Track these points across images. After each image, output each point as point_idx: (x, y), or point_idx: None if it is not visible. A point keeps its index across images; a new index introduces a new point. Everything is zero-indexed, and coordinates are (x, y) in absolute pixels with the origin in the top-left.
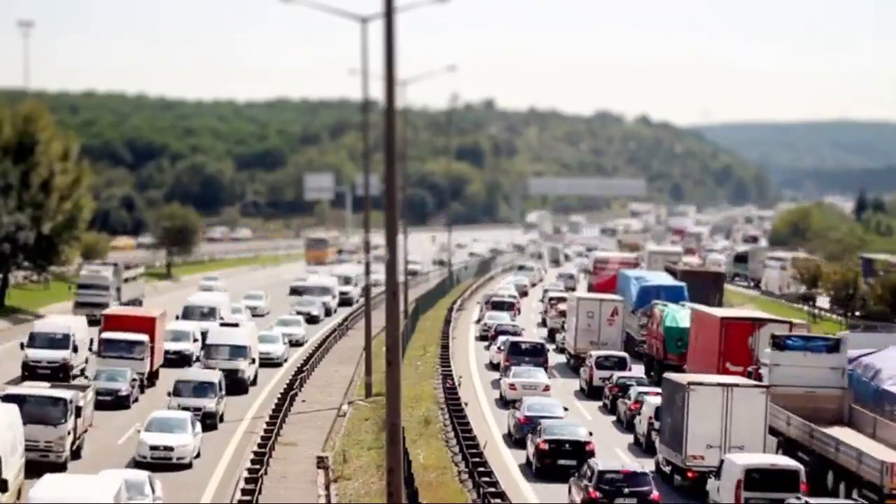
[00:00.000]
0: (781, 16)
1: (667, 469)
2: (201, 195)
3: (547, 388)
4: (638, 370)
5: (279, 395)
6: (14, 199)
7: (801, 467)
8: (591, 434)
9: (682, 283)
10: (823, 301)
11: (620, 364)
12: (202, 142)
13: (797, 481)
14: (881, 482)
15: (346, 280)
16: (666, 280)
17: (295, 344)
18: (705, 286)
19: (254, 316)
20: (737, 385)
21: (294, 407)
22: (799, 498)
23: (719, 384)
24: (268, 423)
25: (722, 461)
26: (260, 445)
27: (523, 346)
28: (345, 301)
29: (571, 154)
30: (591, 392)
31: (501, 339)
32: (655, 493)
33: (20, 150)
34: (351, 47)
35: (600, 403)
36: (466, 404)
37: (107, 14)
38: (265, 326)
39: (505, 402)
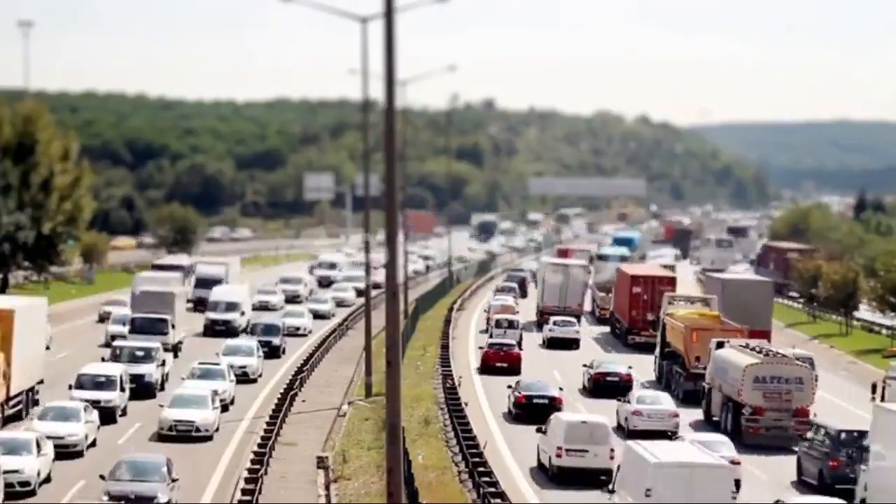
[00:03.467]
0: (781, 16)
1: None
2: (201, 195)
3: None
4: None
5: (279, 395)
6: (14, 199)
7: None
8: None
9: (635, 235)
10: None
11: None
12: (202, 142)
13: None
14: None
15: None
16: (630, 234)
17: None
18: (683, 237)
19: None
20: (572, 265)
21: (294, 407)
22: None
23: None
24: (268, 423)
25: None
26: (260, 445)
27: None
28: None
29: (571, 154)
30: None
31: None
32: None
33: (20, 150)
34: (351, 47)
35: None
36: (466, 404)
37: (106, 14)
38: None
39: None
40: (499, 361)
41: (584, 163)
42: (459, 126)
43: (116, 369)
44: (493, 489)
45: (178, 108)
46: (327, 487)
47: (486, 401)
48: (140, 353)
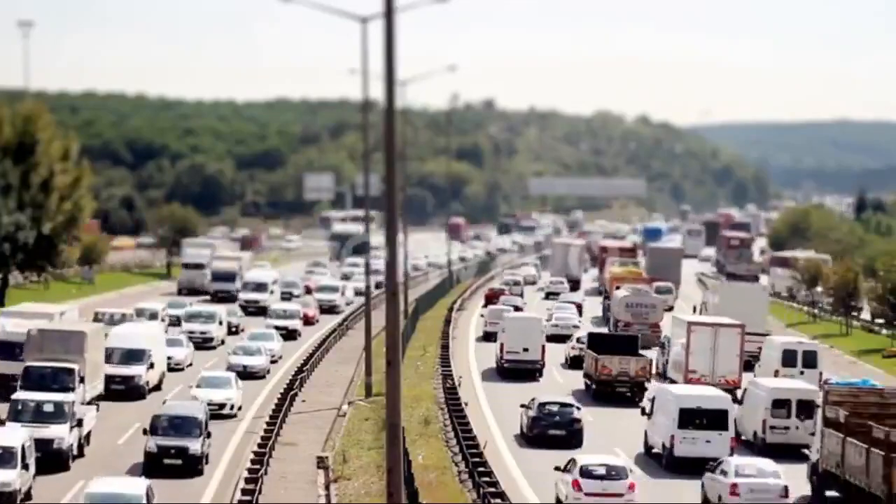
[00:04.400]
0: (781, 16)
1: None
2: (201, 195)
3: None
4: None
5: (279, 395)
6: (14, 199)
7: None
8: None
9: (663, 226)
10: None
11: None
12: (202, 142)
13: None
14: None
15: None
16: (657, 224)
17: None
18: (711, 228)
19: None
20: (572, 244)
21: (294, 407)
22: None
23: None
24: (268, 423)
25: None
26: (260, 445)
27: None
28: None
29: (571, 154)
30: None
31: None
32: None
33: (20, 150)
34: (351, 47)
35: None
36: (466, 404)
37: (106, 14)
38: None
39: None
40: (495, 298)
41: (584, 163)
42: (459, 126)
43: (16, 438)
44: (493, 489)
45: (178, 108)
46: (327, 487)
47: (487, 401)
48: (49, 409)
